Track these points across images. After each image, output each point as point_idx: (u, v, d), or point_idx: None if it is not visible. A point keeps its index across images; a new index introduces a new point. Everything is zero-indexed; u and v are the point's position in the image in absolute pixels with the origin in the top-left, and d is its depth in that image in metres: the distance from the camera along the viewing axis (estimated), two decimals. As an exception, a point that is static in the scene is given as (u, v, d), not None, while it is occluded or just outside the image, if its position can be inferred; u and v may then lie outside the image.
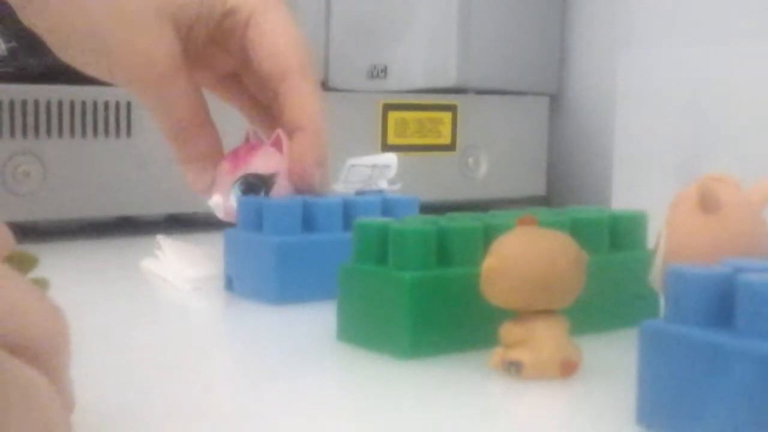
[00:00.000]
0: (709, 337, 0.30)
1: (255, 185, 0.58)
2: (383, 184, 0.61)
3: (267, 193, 0.58)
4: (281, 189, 0.58)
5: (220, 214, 0.58)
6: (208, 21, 0.59)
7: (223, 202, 0.58)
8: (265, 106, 0.64)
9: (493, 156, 0.97)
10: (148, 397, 0.37)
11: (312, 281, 0.53)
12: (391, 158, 0.62)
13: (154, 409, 0.36)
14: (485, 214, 0.48)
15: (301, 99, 0.60)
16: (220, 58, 0.62)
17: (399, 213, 0.55)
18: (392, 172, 0.61)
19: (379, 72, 1.01)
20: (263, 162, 0.58)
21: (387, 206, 0.58)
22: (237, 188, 0.58)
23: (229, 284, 0.56)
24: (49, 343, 0.28)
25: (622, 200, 0.91)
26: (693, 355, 0.30)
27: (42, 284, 0.32)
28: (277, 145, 0.59)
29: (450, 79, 0.96)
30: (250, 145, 0.60)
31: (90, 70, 0.59)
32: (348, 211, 0.55)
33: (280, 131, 0.59)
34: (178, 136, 0.59)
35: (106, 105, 0.77)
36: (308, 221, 0.55)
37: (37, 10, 0.56)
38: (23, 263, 0.32)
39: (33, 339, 0.27)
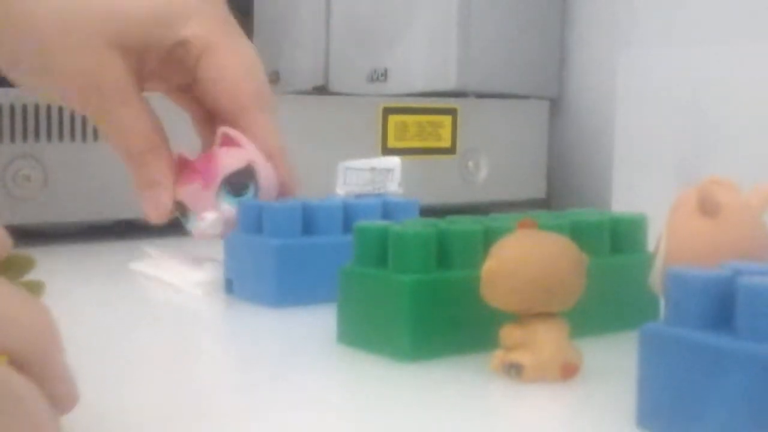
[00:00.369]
0: (709, 340, 0.30)
1: (242, 182, 0.57)
2: (393, 188, 0.61)
3: (256, 184, 0.58)
4: (266, 174, 0.58)
5: (218, 229, 0.57)
6: (159, 49, 0.59)
7: (218, 214, 0.57)
8: (214, 115, 0.65)
9: (493, 159, 0.97)
10: (148, 399, 0.37)
11: (312, 284, 0.53)
12: (393, 161, 0.62)
13: (155, 410, 0.36)
14: (485, 217, 0.48)
15: (261, 132, 0.60)
16: (172, 75, 0.62)
17: (399, 216, 0.55)
18: (398, 175, 0.61)
19: (379, 75, 1.01)
20: (231, 160, 0.58)
21: (387, 209, 0.58)
22: (225, 194, 0.57)
23: (230, 287, 0.56)
24: (37, 345, 0.28)
25: (622, 203, 0.91)
26: (693, 357, 0.30)
27: (37, 287, 0.32)
28: (228, 143, 0.59)
29: (450, 83, 0.96)
30: (201, 158, 0.59)
31: (42, 93, 0.59)
32: (348, 214, 0.55)
33: (225, 129, 0.59)
34: (133, 160, 0.59)
35: (107, 109, 0.77)
36: (308, 224, 0.55)
37: None
38: (20, 266, 0.32)
39: (20, 344, 0.27)
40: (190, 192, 0.58)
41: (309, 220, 0.55)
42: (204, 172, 0.58)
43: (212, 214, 0.57)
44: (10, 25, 0.56)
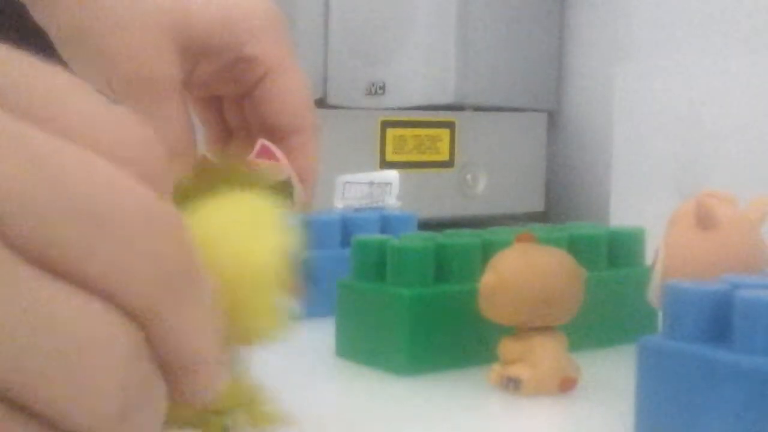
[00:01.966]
0: (707, 353, 0.30)
1: (282, 193, 0.58)
2: (392, 201, 0.61)
3: (291, 197, 0.58)
4: (299, 191, 0.59)
5: None
6: (218, 60, 0.60)
7: None
8: (227, 126, 0.65)
9: (491, 172, 0.97)
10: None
11: (310, 298, 0.53)
12: (392, 175, 0.62)
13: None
14: (483, 230, 0.48)
15: (308, 155, 0.61)
16: (220, 86, 0.63)
17: (397, 230, 0.55)
18: (396, 189, 0.61)
19: (377, 89, 1.01)
20: (273, 171, 0.59)
21: (385, 223, 0.58)
22: None
23: None
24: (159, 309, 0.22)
25: (620, 216, 0.91)
26: (690, 370, 0.30)
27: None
28: (265, 155, 0.59)
29: (448, 96, 0.96)
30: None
31: (90, 78, 0.59)
32: (346, 227, 0.55)
33: (264, 141, 0.59)
34: None
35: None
36: (306, 238, 0.54)
37: (50, 11, 0.57)
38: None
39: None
40: None
41: (307, 234, 0.55)
42: None
43: None
44: (75, 12, 0.57)
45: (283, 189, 0.59)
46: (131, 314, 0.21)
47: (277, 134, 0.62)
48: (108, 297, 0.21)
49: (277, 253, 0.29)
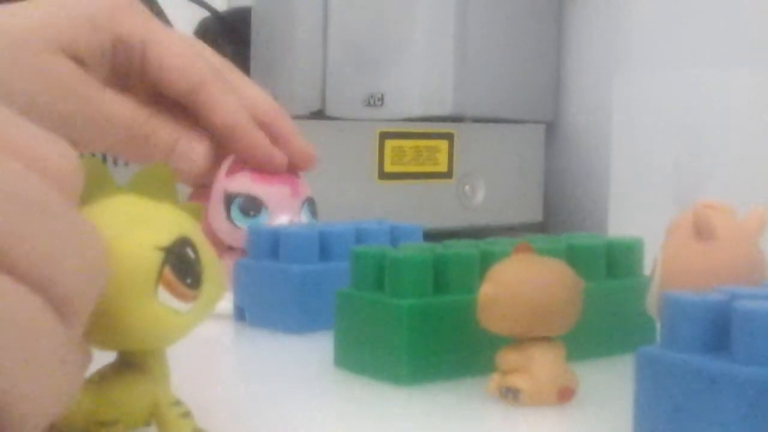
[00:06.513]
0: (705, 364, 0.30)
1: (315, 205, 0.60)
2: None
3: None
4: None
5: None
6: (102, 53, 0.59)
7: (297, 220, 0.60)
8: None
9: (489, 183, 0.97)
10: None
11: (330, 309, 0.52)
12: None
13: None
14: (482, 241, 0.48)
15: (225, 102, 0.60)
16: (131, 85, 0.62)
17: (405, 240, 0.55)
18: None
19: (375, 100, 1.01)
20: (306, 186, 0.61)
21: (394, 234, 0.57)
22: (307, 210, 0.60)
23: (240, 314, 0.55)
24: (78, 301, 0.25)
25: (618, 226, 0.91)
26: (688, 381, 0.30)
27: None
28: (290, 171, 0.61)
29: (446, 107, 0.96)
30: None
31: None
32: (360, 239, 0.55)
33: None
34: (139, 136, 0.58)
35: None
36: (322, 249, 0.54)
37: None
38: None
39: (63, 294, 0.25)
40: (276, 192, 0.59)
41: (323, 245, 0.54)
42: (291, 182, 0.59)
43: (287, 219, 0.59)
44: None
45: (312, 200, 0.60)
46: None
47: (189, 101, 0.60)
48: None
49: (146, 247, 0.28)
